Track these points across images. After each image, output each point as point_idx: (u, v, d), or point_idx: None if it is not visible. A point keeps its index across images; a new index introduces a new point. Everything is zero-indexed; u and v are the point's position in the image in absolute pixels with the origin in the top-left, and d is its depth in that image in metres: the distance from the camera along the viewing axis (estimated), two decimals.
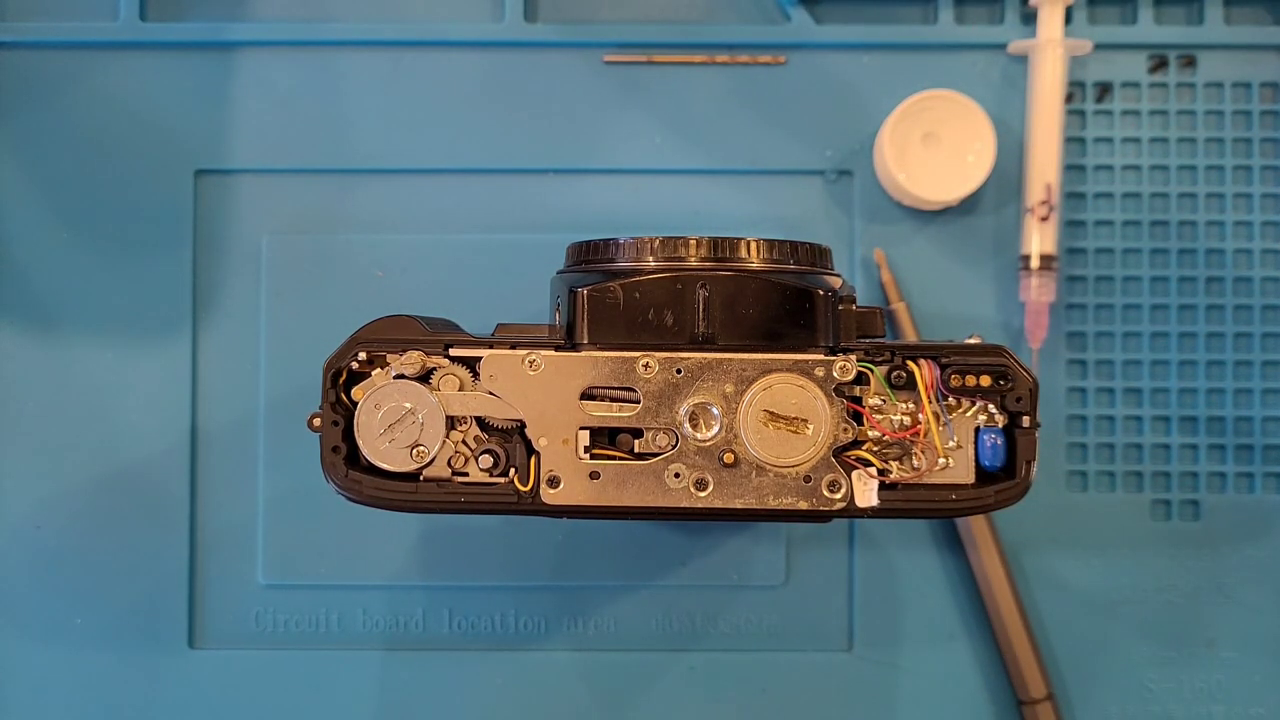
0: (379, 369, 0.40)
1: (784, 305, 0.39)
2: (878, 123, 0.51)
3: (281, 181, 0.52)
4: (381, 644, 0.51)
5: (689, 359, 0.39)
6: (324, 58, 0.52)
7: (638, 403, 0.39)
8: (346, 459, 0.40)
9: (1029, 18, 0.52)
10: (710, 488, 0.39)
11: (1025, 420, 0.39)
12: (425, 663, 0.51)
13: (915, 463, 0.39)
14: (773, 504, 0.39)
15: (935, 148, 0.51)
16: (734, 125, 0.52)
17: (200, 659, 0.51)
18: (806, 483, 0.39)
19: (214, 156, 0.52)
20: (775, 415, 0.39)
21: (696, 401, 0.39)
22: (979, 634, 0.51)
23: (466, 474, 0.40)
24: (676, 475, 0.39)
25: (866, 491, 0.39)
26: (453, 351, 0.40)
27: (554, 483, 0.39)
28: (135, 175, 0.52)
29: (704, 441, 0.39)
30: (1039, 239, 0.50)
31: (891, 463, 0.39)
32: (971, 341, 0.40)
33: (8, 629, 0.51)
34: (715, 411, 0.39)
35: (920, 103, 0.50)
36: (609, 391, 0.39)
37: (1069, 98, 0.52)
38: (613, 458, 0.39)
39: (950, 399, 0.40)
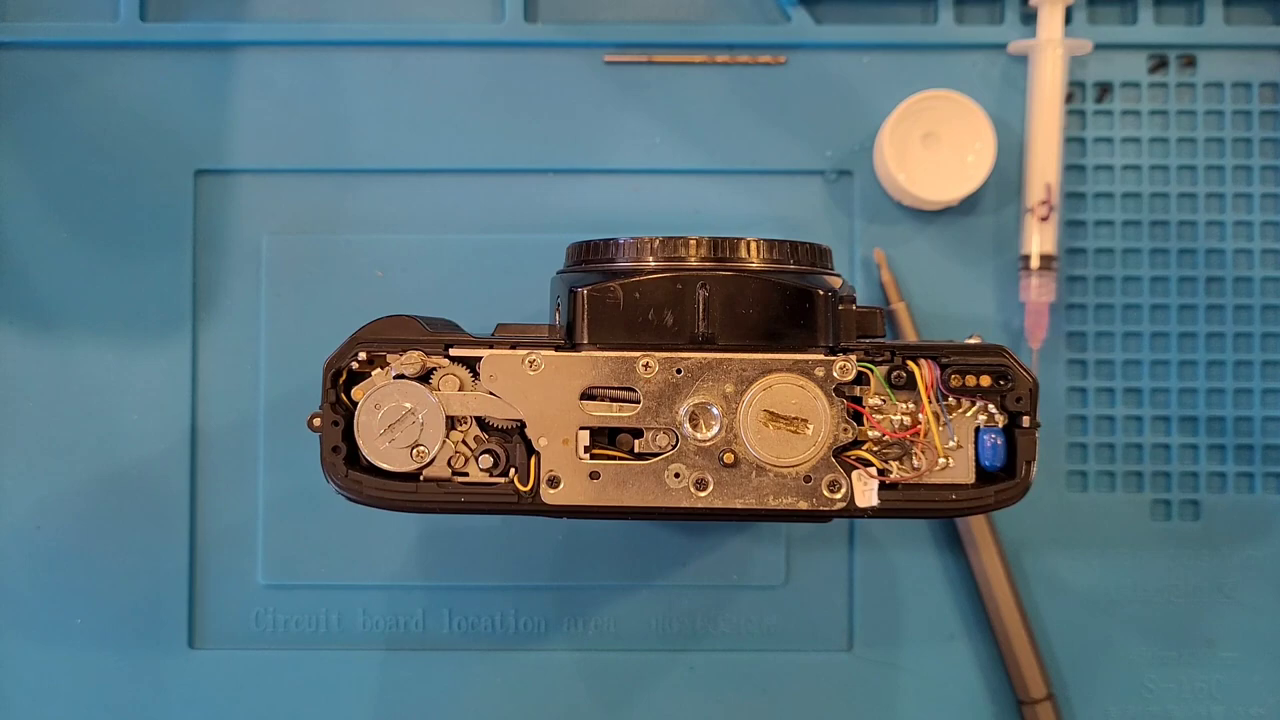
0: (379, 369, 0.40)
1: (784, 305, 0.39)
2: (878, 123, 0.51)
3: (281, 181, 0.52)
4: (381, 644, 0.51)
5: (689, 359, 0.39)
6: (324, 58, 0.52)
7: (638, 403, 0.39)
8: (346, 459, 0.40)
9: (1029, 18, 0.52)
10: (710, 488, 0.39)
11: (1025, 420, 0.39)
12: (425, 663, 0.51)
13: (915, 463, 0.39)
14: (773, 504, 0.39)
15: (935, 148, 0.51)
16: (734, 125, 0.52)
17: (200, 659, 0.51)
18: (806, 483, 0.39)
19: (214, 156, 0.52)
20: (775, 415, 0.39)
21: (696, 401, 0.39)
22: (979, 634, 0.51)
23: (466, 474, 0.40)
24: (676, 475, 0.39)
25: (866, 491, 0.39)
26: (453, 351, 0.40)
27: (554, 483, 0.39)
28: (135, 175, 0.52)
29: (704, 441, 0.39)
30: (1039, 239, 0.50)
31: (891, 463, 0.39)
32: (971, 341, 0.40)
33: (8, 629, 0.51)
34: (715, 411, 0.39)
35: (920, 103, 0.50)
36: (609, 391, 0.39)
37: (1069, 98, 0.52)
38: (613, 458, 0.39)
39: (950, 399, 0.40)
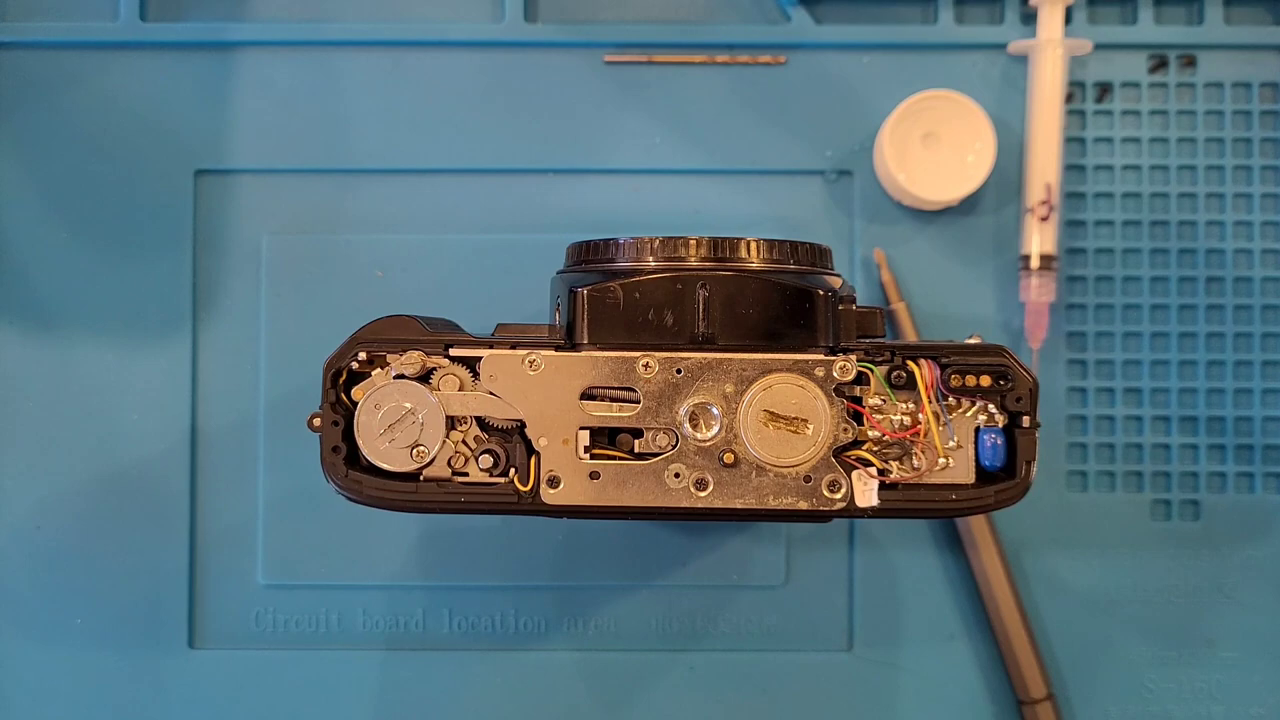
0: (379, 369, 0.40)
1: (784, 305, 0.39)
2: (878, 123, 0.51)
3: (281, 181, 0.52)
4: (381, 644, 0.51)
5: (689, 359, 0.39)
6: (324, 58, 0.52)
7: (638, 403, 0.39)
8: (346, 459, 0.40)
9: (1029, 18, 0.52)
10: (710, 488, 0.39)
11: (1025, 420, 0.39)
12: (425, 663, 0.51)
13: (915, 463, 0.39)
14: (773, 504, 0.39)
15: (935, 148, 0.51)
16: (734, 125, 0.52)
17: (200, 659, 0.51)
18: (806, 483, 0.39)
19: (214, 156, 0.52)
20: (775, 415, 0.39)
21: (696, 401, 0.39)
22: (979, 634, 0.51)
23: (466, 474, 0.40)
24: (676, 475, 0.39)
25: (866, 491, 0.39)
26: (453, 351, 0.40)
27: (554, 483, 0.39)
28: (135, 175, 0.52)
29: (704, 441, 0.39)
30: (1039, 239, 0.50)
31: (891, 463, 0.39)
32: (971, 341, 0.40)
33: (8, 629, 0.51)
34: (715, 411, 0.39)
35: (920, 103, 0.50)
36: (609, 391, 0.39)
37: (1069, 98, 0.52)
38: (613, 458, 0.39)
39: (950, 399, 0.40)
